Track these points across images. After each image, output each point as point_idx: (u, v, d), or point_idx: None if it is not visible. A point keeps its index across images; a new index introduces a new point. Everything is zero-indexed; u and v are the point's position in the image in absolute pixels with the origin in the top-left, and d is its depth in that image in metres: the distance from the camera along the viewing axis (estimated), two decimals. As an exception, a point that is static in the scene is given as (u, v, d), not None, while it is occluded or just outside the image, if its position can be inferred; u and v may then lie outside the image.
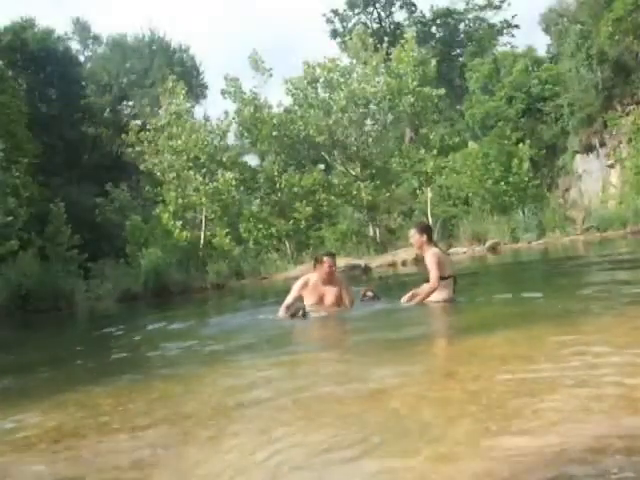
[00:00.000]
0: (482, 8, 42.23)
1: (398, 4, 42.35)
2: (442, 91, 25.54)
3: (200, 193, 21.57)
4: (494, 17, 42.26)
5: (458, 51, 42.43)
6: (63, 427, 2.96)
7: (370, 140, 25.48)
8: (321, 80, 25.22)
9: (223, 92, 24.83)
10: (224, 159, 22.87)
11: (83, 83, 32.24)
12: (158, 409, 3.16)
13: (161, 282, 15.95)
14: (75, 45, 36.05)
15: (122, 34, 37.51)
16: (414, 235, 6.28)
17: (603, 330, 4.03)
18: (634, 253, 12.68)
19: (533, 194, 24.82)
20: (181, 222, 21.16)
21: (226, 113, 24.18)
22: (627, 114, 26.04)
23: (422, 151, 25.56)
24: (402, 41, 25.84)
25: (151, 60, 35.51)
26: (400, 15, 42.88)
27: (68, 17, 53.70)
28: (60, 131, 28.21)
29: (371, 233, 25.41)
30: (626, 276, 7.72)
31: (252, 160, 28.52)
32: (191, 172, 22.00)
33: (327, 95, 25.15)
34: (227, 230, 21.96)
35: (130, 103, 35.04)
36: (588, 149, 28.04)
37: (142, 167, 22.96)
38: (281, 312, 6.07)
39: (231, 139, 26.59)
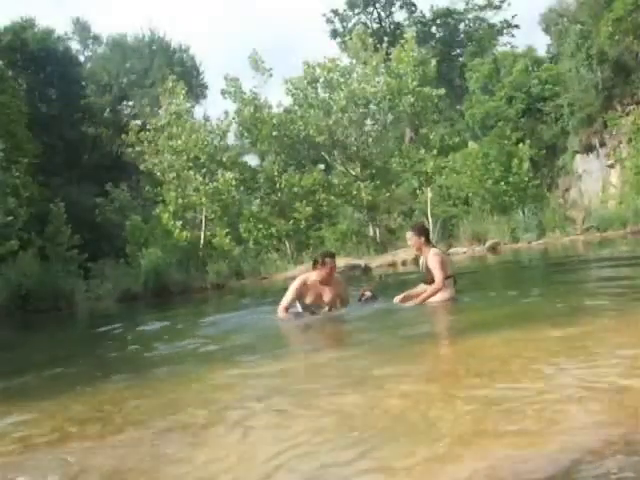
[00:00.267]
0: (482, 8, 42.24)
1: (398, 4, 42.37)
2: (442, 91, 25.54)
3: (200, 193, 21.57)
4: (494, 17, 42.34)
5: (458, 51, 42.42)
6: (63, 427, 2.96)
7: (370, 140, 25.48)
8: (321, 80, 25.22)
9: (223, 92, 24.85)
10: (224, 159, 22.87)
11: (83, 83, 32.22)
12: (158, 409, 3.16)
13: (161, 282, 15.94)
14: (75, 45, 36.10)
15: (122, 34, 37.54)
16: (412, 237, 6.28)
17: (603, 329, 4.03)
18: (634, 252, 12.68)
19: (533, 194, 24.81)
20: (181, 222, 21.15)
21: (226, 113, 24.21)
22: (627, 114, 26.04)
23: (422, 151, 25.57)
24: (402, 41, 25.85)
25: (151, 60, 35.50)
26: (400, 15, 42.95)
27: (68, 17, 53.78)
28: (60, 131, 28.21)
29: (371, 233, 25.41)
30: (626, 275, 7.71)
31: (252, 160, 28.56)
32: (191, 172, 21.99)
33: (327, 95, 25.15)
34: (227, 230, 21.96)
35: (130, 103, 35.03)
36: (588, 149, 28.04)
37: (142, 167, 22.95)
38: (281, 313, 6.05)
39: (231, 139, 26.64)
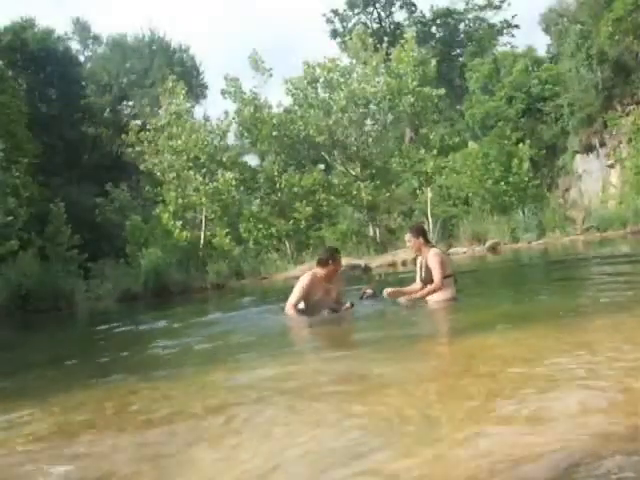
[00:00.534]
0: (482, 8, 42.24)
1: (398, 4, 42.37)
2: (442, 91, 25.54)
3: (200, 193, 21.57)
4: (494, 17, 42.36)
5: (458, 51, 42.42)
6: (64, 427, 2.96)
7: (370, 140, 25.48)
8: (321, 80, 25.22)
9: (223, 92, 24.85)
10: (224, 159, 22.86)
11: (83, 83, 32.22)
12: (158, 409, 3.16)
13: (161, 282, 15.93)
14: (75, 45, 36.11)
15: (122, 34, 37.55)
16: (410, 239, 6.29)
17: (603, 329, 4.03)
18: (634, 251, 12.68)
19: (533, 194, 24.81)
20: (181, 222, 21.14)
21: (226, 113, 24.20)
22: (627, 114, 26.05)
23: (422, 151, 25.56)
24: (402, 41, 25.84)
25: (151, 60, 35.50)
26: (400, 15, 42.97)
27: (68, 17, 53.80)
28: (60, 131, 28.21)
29: (371, 233, 25.41)
30: (625, 275, 7.71)
31: (252, 160, 28.55)
32: (191, 172, 21.98)
33: (327, 95, 25.14)
34: (227, 230, 21.95)
35: (130, 103, 35.03)
36: (588, 149, 28.04)
37: (142, 167, 22.94)
38: (289, 310, 5.99)
39: (231, 139, 26.62)
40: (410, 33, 26.76)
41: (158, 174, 22.48)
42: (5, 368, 5.48)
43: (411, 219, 25.61)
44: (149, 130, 22.72)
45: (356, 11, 41.69)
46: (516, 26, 41.95)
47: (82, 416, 3.18)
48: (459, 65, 39.31)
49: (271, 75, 24.72)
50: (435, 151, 25.43)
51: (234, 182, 22.10)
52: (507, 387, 2.74)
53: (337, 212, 26.85)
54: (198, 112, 31.51)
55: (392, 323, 5.74)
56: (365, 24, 39.26)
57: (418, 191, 25.97)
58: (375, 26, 41.41)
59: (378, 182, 25.11)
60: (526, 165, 25.11)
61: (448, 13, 42.39)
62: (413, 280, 6.48)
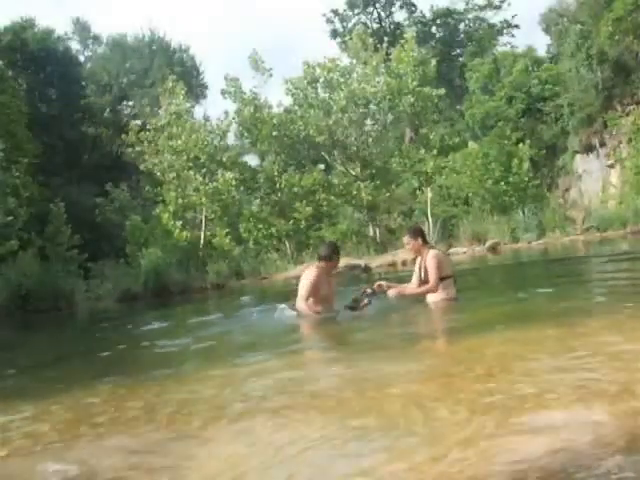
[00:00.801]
0: (482, 8, 42.23)
1: (398, 4, 42.36)
2: (442, 91, 25.53)
3: (200, 193, 21.56)
4: (494, 17, 42.33)
5: (458, 51, 42.41)
6: (63, 427, 2.96)
7: (370, 140, 25.47)
8: (321, 80, 25.20)
9: (223, 92, 24.83)
10: (224, 159, 22.85)
11: (83, 83, 32.21)
12: (158, 409, 3.16)
13: (161, 282, 15.93)
14: (75, 45, 36.08)
15: (122, 34, 37.53)
16: (409, 241, 6.30)
17: (604, 328, 4.03)
18: (634, 250, 12.68)
19: (533, 194, 24.81)
20: (181, 222, 21.13)
21: (226, 113, 24.18)
22: (627, 114, 26.04)
23: (422, 151, 25.56)
24: (402, 41, 25.82)
25: (151, 60, 35.50)
26: (400, 15, 42.94)
27: (68, 17, 53.74)
28: (60, 131, 28.20)
29: (371, 233, 25.41)
30: (625, 274, 7.71)
31: (252, 160, 28.52)
32: (191, 172, 21.97)
33: (327, 95, 25.13)
34: (227, 230, 21.94)
35: (130, 103, 35.02)
36: (588, 149, 28.04)
37: (142, 167, 22.93)
38: (302, 305, 5.95)
39: (231, 139, 26.59)
40: (410, 33, 26.75)
41: (158, 174, 22.47)
42: (5, 368, 5.48)
43: (411, 219, 25.61)
44: (149, 130, 22.72)
45: (356, 11, 41.70)
46: (516, 26, 42.00)
47: (82, 416, 3.18)
48: (459, 65, 39.30)
49: (271, 75, 24.73)
50: (435, 151, 25.42)
51: (234, 182, 22.09)
52: (507, 387, 2.74)
53: (337, 212, 26.84)
54: (198, 112, 31.51)
55: (392, 323, 5.74)
56: (365, 24, 39.24)
57: (418, 191, 25.97)
58: (375, 26, 41.40)
59: (378, 182, 25.10)
60: (526, 165, 25.11)
61: (448, 13, 42.38)
62: (410, 281, 6.48)
